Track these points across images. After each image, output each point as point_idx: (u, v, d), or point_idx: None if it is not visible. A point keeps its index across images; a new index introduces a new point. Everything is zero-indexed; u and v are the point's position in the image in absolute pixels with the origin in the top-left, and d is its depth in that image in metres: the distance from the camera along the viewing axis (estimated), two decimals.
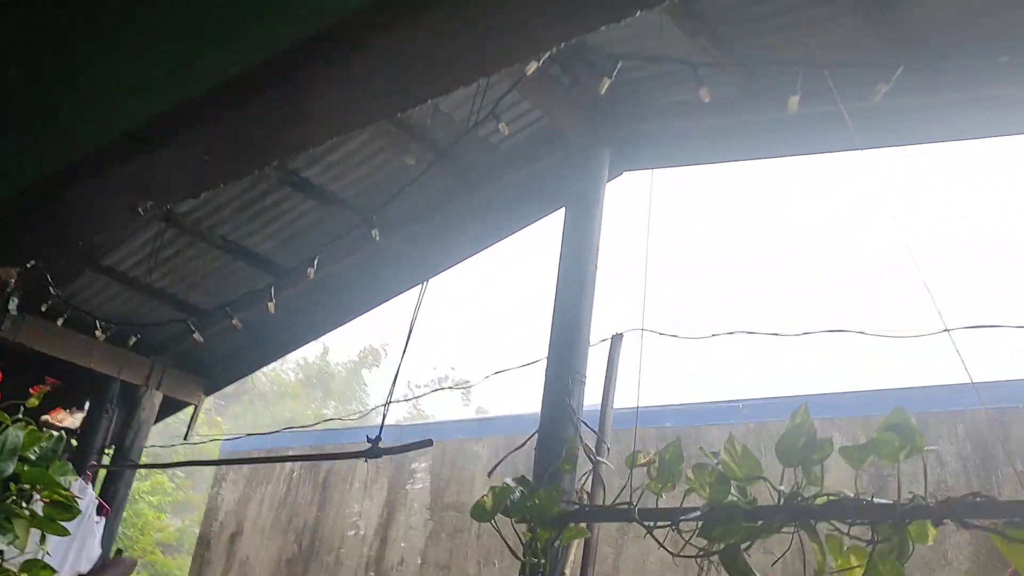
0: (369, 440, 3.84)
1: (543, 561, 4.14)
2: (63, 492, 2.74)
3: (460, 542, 8.31)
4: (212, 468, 17.22)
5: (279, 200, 6.22)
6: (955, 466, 5.74)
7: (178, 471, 21.52)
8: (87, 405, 7.62)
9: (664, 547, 3.09)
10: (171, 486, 18.94)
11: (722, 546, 2.94)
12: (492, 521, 3.70)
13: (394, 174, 5.97)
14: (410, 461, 9.15)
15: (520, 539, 3.87)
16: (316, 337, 7.81)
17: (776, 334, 4.25)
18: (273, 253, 6.80)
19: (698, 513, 3.03)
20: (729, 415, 6.89)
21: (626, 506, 3.43)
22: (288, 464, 10.45)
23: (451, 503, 8.59)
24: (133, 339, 7.29)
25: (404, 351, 3.92)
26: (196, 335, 7.25)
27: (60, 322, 6.89)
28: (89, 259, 6.83)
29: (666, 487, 3.33)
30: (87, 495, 6.68)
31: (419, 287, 6.55)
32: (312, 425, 7.93)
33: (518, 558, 3.89)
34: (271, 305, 6.39)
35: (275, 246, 6.72)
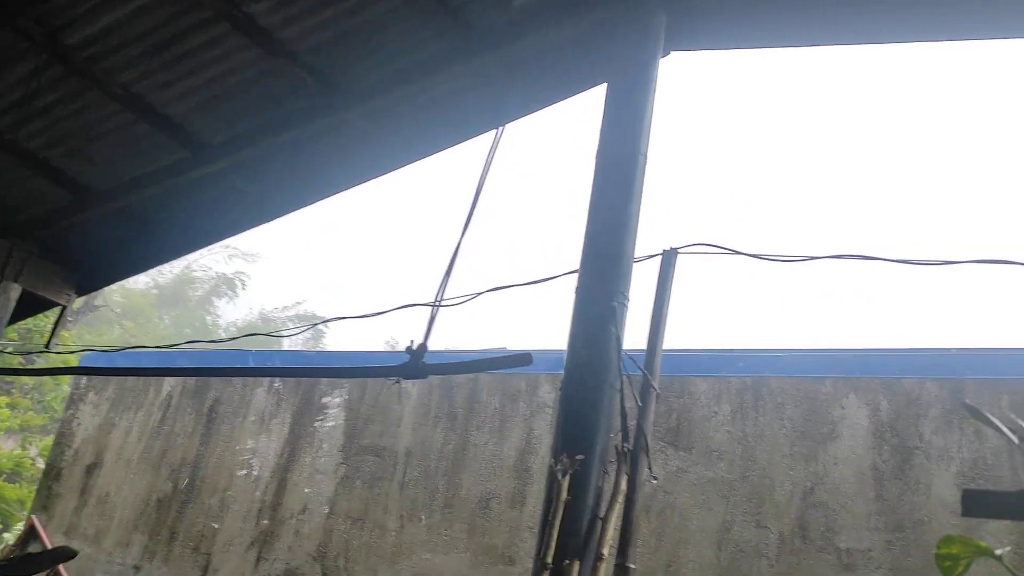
0: (409, 352, 2.58)
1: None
2: None
3: (379, 492, 7.12)
4: (66, 384, 15.18)
5: (210, 42, 4.71)
6: (996, 442, 5.01)
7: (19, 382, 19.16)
8: None
9: None
10: (5, 411, 16.55)
11: None
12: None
13: (370, 25, 4.60)
14: (320, 394, 7.83)
15: None
16: (229, 235, 6.34)
17: (907, 261, 3.24)
18: (190, 117, 5.26)
19: None
20: (722, 366, 5.97)
21: None
22: (165, 388, 8.89)
23: (370, 446, 7.36)
24: None
25: (455, 255, 2.68)
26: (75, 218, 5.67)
27: None
28: None
29: None
30: None
31: (379, 179, 5.30)
32: (227, 339, 6.46)
33: None
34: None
35: (194, 108, 5.20)
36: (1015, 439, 1.97)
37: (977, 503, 2.28)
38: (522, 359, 2.56)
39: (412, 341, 2.59)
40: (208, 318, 39.35)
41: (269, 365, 8.22)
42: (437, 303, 2.71)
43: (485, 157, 2.84)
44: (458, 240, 2.72)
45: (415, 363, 2.60)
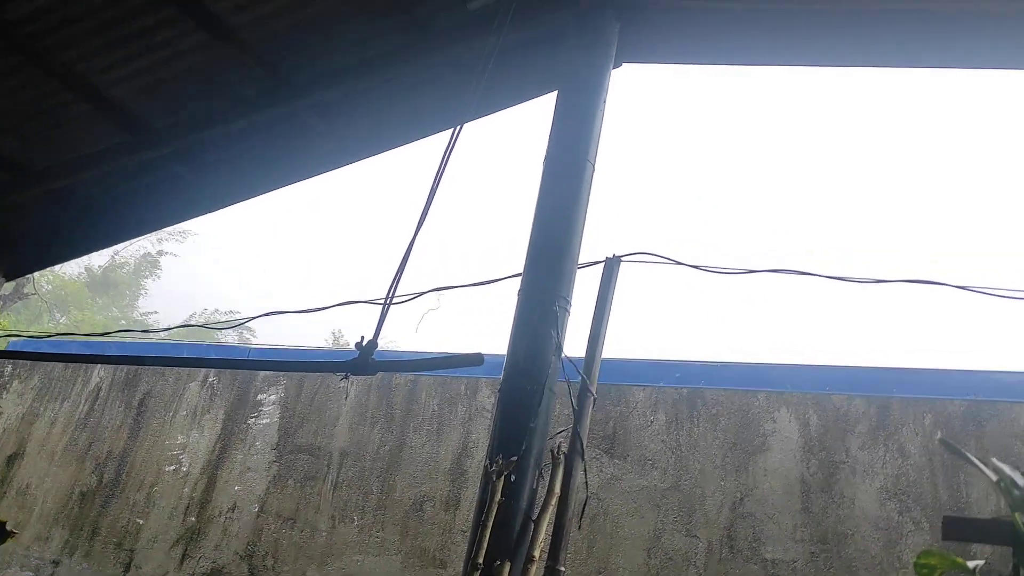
0: (358, 348, 2.54)
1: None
2: None
3: (311, 491, 7.02)
4: None
5: (157, 25, 4.61)
6: (919, 459, 5.16)
7: None
8: None
9: None
10: None
11: None
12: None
13: (323, 16, 4.55)
14: (256, 391, 7.71)
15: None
16: (169, 223, 6.20)
17: (840, 279, 3.32)
18: (133, 101, 5.14)
19: None
20: (659, 376, 6.04)
21: None
22: (94, 379, 8.65)
23: (304, 445, 7.26)
24: None
25: (413, 237, 2.65)
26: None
27: None
28: None
29: None
30: None
31: (325, 174, 5.26)
32: (161, 329, 6.28)
33: None
34: None
35: (137, 92, 5.08)
36: (993, 476, 2.04)
37: (957, 529, 2.40)
38: (473, 359, 2.55)
39: (362, 337, 2.55)
40: (139, 311, 38.55)
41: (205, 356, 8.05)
42: (388, 300, 2.68)
43: (440, 156, 2.81)
44: (411, 238, 2.69)
45: (364, 359, 2.57)
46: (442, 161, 2.78)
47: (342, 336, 33.73)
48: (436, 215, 2.89)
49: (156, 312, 38.94)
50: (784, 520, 5.35)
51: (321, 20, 4.55)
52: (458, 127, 2.89)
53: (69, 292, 34.66)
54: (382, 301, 4.17)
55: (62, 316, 35.16)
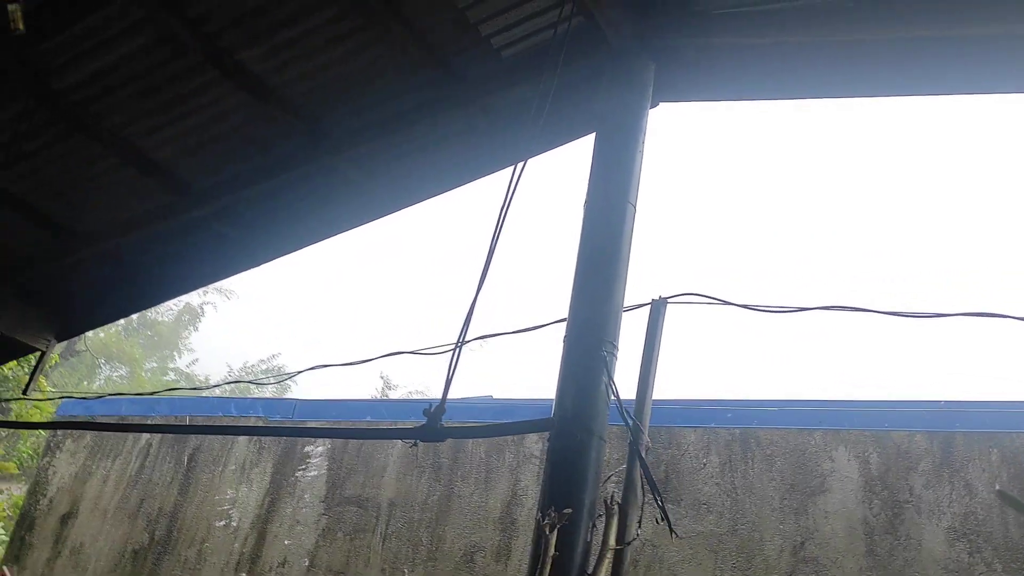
0: (426, 413, 2.50)
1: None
2: None
3: (361, 544, 6.96)
4: (39, 435, 14.90)
5: (200, 88, 4.70)
6: (987, 496, 4.95)
7: None
8: None
9: None
10: None
11: None
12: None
13: (359, 72, 4.60)
14: (303, 443, 7.70)
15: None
16: (213, 280, 6.26)
17: (896, 314, 3.21)
18: (177, 162, 5.24)
19: None
20: (709, 417, 5.91)
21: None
22: (144, 435, 8.72)
23: (352, 497, 7.22)
24: None
25: (476, 295, 2.62)
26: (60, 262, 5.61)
27: None
28: None
29: None
30: None
31: (367, 225, 5.28)
32: (210, 386, 6.33)
33: None
34: None
35: (181, 152, 5.17)
36: None
37: None
38: (545, 424, 2.49)
39: (430, 404, 2.51)
40: (182, 361, 39.11)
41: (253, 414, 8.08)
42: (453, 362, 2.63)
43: (500, 206, 2.79)
44: (475, 292, 2.66)
45: (433, 426, 2.52)
46: (502, 209, 2.76)
47: (390, 382, 33.79)
48: (493, 261, 2.85)
49: (197, 359, 39.46)
50: (848, 564, 5.15)
51: (358, 76, 4.60)
52: (517, 173, 2.85)
53: (113, 343, 35.17)
54: (431, 352, 4.15)
55: (113, 371, 35.80)
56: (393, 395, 31.00)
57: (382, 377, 33.62)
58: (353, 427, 7.11)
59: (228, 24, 4.33)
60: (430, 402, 2.66)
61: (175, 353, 39.38)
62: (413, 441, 2.71)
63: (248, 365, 38.46)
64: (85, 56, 4.55)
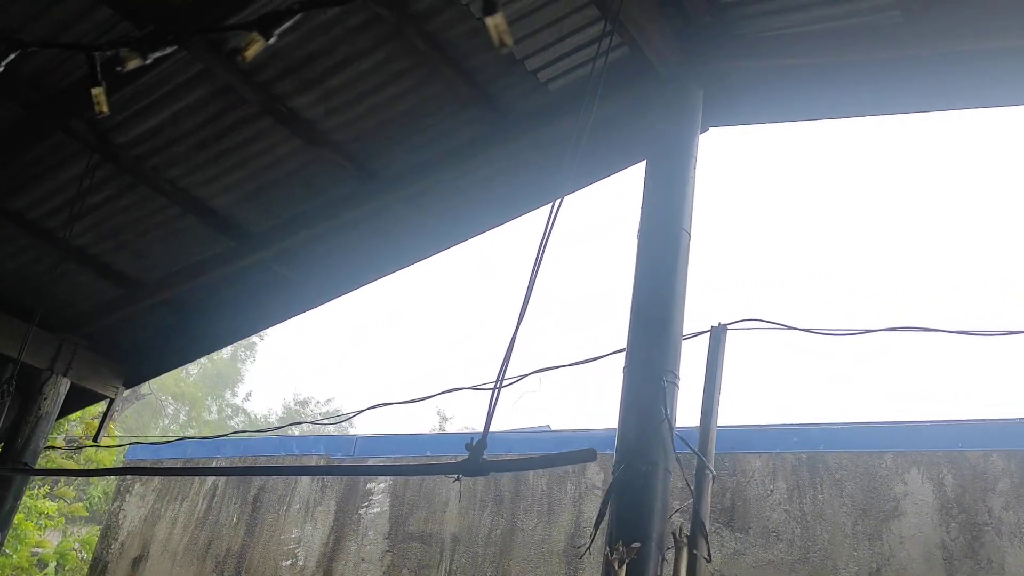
0: (468, 447, 2.51)
1: None
2: None
3: None
4: (109, 478, 15.24)
5: (254, 136, 4.83)
6: None
7: (62, 481, 19.14)
8: None
9: None
10: (51, 505, 16.47)
11: None
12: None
13: (409, 113, 4.68)
14: (365, 481, 7.74)
15: None
16: (273, 323, 6.36)
17: (965, 332, 3.13)
18: (234, 209, 5.36)
19: None
20: (775, 443, 5.79)
21: None
22: (210, 477, 8.86)
23: (416, 533, 7.22)
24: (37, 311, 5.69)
25: (516, 329, 2.63)
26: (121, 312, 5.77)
27: None
28: None
29: None
30: None
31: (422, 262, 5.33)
32: (273, 428, 6.42)
33: None
34: None
35: (238, 200, 5.30)
36: None
37: None
38: (585, 455, 2.47)
39: (472, 438, 2.52)
40: (238, 397, 39.69)
41: (315, 452, 8.17)
42: (495, 394, 2.64)
43: (540, 237, 2.80)
44: (515, 325, 2.66)
45: (475, 460, 2.51)
46: (542, 241, 2.76)
47: (447, 417, 33.95)
48: (535, 294, 2.86)
49: (251, 392, 40.01)
50: None
51: (407, 116, 4.67)
52: (556, 205, 2.86)
53: (172, 385, 35.85)
54: (485, 387, 4.15)
55: (179, 413, 36.55)
56: (449, 428, 31.12)
57: (438, 414, 33.81)
58: (400, 463, 7.15)
59: (281, 72, 4.44)
60: (472, 436, 2.66)
61: (233, 389, 39.99)
62: (455, 476, 2.70)
63: (301, 398, 39.00)
64: (146, 111, 4.71)
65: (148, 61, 1.38)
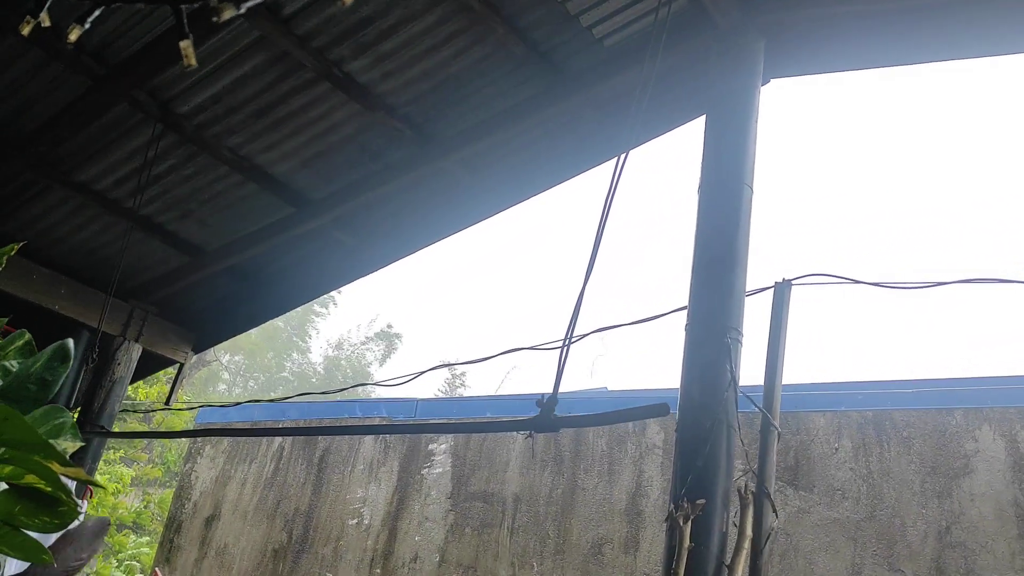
0: (539, 404, 2.53)
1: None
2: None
3: (488, 539, 7.05)
4: (183, 441, 15.74)
5: (312, 102, 4.86)
6: None
7: (134, 442, 19.83)
8: None
9: None
10: (126, 471, 17.14)
11: None
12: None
13: (463, 74, 4.65)
14: (427, 441, 7.86)
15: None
16: (333, 288, 6.46)
17: None
18: (294, 175, 5.43)
19: None
20: (839, 401, 5.70)
21: None
22: (277, 440, 9.10)
23: (478, 492, 7.32)
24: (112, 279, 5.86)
25: (583, 287, 2.62)
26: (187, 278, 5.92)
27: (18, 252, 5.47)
28: (59, 171, 5.42)
29: None
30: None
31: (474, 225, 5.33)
32: (337, 390, 6.57)
33: None
34: None
35: (297, 166, 5.36)
36: None
37: None
38: (659, 410, 2.46)
39: (543, 395, 2.53)
40: (299, 363, 40.36)
41: (377, 415, 8.31)
42: (563, 355, 2.64)
43: (605, 197, 2.77)
44: (582, 285, 2.65)
45: (546, 416, 2.53)
46: (607, 200, 2.74)
47: (508, 377, 34.23)
48: (600, 251, 2.84)
49: (312, 355, 40.76)
50: (999, 548, 4.88)
51: (461, 77, 4.65)
52: (621, 160, 2.84)
53: (241, 342, 36.57)
54: (548, 347, 4.15)
55: (244, 382, 37.48)
56: (506, 390, 31.38)
57: (500, 374, 34.05)
58: (467, 421, 7.21)
59: (336, 37, 4.45)
60: (543, 395, 2.67)
61: (296, 345, 40.59)
62: (528, 432, 2.72)
63: (345, 335, 39.60)
64: (205, 80, 4.77)
65: (242, 11, 1.37)
